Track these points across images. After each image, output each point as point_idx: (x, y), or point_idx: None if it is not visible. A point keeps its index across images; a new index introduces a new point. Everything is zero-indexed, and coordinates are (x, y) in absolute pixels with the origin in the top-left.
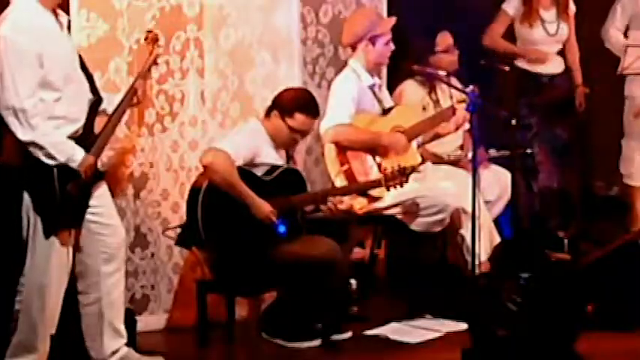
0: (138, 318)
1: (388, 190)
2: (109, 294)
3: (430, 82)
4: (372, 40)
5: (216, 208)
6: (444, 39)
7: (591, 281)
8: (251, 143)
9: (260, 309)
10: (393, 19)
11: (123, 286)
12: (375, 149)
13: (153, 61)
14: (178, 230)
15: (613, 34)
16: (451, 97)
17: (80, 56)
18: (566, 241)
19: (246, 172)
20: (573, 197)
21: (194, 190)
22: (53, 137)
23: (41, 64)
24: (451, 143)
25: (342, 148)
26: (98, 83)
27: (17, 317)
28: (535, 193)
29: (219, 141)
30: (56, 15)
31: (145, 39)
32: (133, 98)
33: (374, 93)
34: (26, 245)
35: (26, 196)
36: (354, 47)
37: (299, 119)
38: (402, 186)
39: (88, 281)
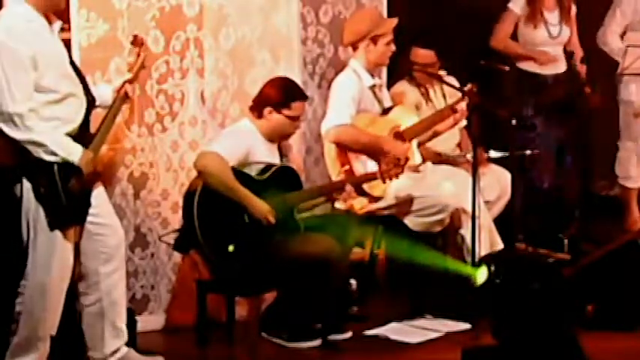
0: (138, 318)
1: (384, 182)
2: (110, 294)
3: (422, 82)
4: (374, 40)
5: (212, 211)
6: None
7: (591, 281)
8: (242, 143)
9: (260, 309)
10: (395, 20)
11: (124, 286)
12: (375, 153)
13: (141, 64)
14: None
15: (610, 37)
16: (444, 96)
17: (72, 59)
18: (566, 241)
19: (240, 172)
20: (573, 197)
21: (189, 194)
22: (52, 135)
23: (35, 67)
24: (448, 141)
25: (343, 148)
26: (98, 83)
27: (18, 318)
28: (535, 193)
29: (210, 144)
30: (49, 20)
31: (132, 43)
32: (124, 101)
33: (374, 93)
34: (26, 246)
35: (25, 196)
36: (355, 47)
37: (296, 107)
38: (397, 177)
39: (88, 282)
